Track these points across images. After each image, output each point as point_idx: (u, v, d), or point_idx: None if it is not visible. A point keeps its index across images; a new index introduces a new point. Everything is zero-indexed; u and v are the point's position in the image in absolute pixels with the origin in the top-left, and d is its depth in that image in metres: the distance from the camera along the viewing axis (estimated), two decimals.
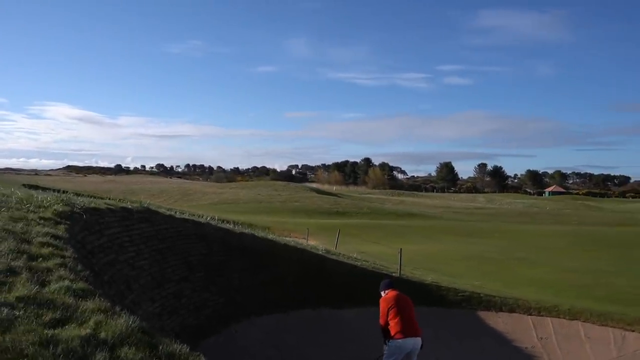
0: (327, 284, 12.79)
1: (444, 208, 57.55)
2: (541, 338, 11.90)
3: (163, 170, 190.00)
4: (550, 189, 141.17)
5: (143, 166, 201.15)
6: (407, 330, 7.58)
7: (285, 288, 11.96)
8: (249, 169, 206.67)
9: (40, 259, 5.04)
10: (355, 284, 13.11)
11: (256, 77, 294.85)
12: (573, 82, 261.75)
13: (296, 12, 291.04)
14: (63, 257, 5.26)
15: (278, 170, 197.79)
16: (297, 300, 11.87)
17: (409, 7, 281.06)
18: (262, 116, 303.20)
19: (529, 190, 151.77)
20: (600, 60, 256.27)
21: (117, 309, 4.28)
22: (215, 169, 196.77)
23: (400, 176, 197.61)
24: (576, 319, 12.28)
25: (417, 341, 7.64)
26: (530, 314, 12.72)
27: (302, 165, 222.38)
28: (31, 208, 7.00)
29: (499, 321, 12.59)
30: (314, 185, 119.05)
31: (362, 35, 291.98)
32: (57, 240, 5.74)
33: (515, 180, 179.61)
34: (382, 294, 8.26)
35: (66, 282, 4.49)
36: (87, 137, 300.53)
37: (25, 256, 5.00)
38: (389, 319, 7.68)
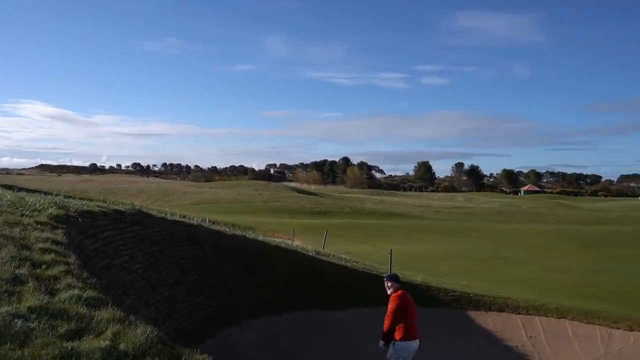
0: (319, 285, 12.75)
1: (423, 207, 58.07)
2: (530, 337, 12.09)
3: (139, 169, 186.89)
4: (525, 188, 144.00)
5: (119, 165, 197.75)
6: (414, 332, 7.61)
7: (278, 290, 11.87)
8: (226, 168, 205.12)
9: (44, 266, 4.87)
10: (347, 285, 13.10)
11: (234, 76, 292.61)
12: (547, 83, 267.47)
13: (274, 10, 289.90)
14: (67, 263, 5.09)
15: (256, 169, 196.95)
16: (289, 302, 11.79)
17: (387, 7, 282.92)
18: (239, 115, 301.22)
19: (504, 189, 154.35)
20: (573, 62, 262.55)
21: (132, 318, 4.16)
22: (192, 168, 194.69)
23: (378, 175, 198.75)
24: (564, 318, 12.51)
25: (418, 342, 7.69)
26: (519, 313, 12.90)
27: (281, 164, 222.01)
28: (25, 212, 6.77)
29: (488, 320, 12.74)
30: (292, 184, 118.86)
31: (341, 34, 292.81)
32: (58, 246, 5.56)
33: (491, 180, 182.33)
34: (393, 288, 7.83)
35: (76, 291, 4.34)
36: (61, 135, 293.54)
37: (28, 263, 4.82)
38: (399, 318, 7.52)
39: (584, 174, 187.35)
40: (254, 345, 10.37)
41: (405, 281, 14.24)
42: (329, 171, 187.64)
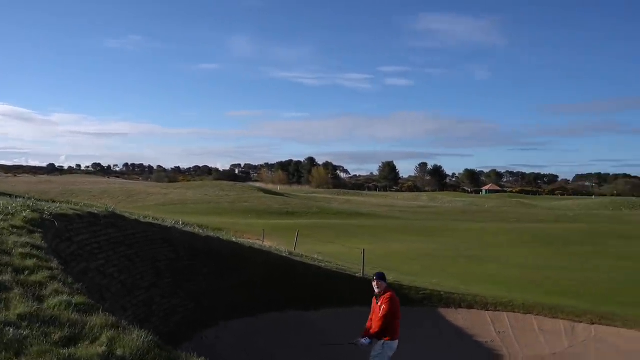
0: (293, 286, 12.79)
1: (389, 207, 58.86)
2: (499, 332, 12.50)
3: (100, 170, 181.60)
4: (487, 187, 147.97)
5: (78, 165, 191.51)
6: (398, 331, 7.77)
7: (252, 291, 11.85)
8: (190, 168, 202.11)
9: (27, 272, 4.75)
10: (321, 286, 13.20)
11: (198, 75, 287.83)
12: (508, 85, 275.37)
13: (239, 9, 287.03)
14: (50, 269, 4.99)
15: (221, 169, 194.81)
16: (264, 302, 11.79)
17: (352, 8, 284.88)
18: (203, 115, 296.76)
19: (466, 189, 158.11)
20: (531, 65, 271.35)
21: (125, 323, 4.13)
22: (155, 168, 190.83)
23: (343, 175, 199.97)
24: (530, 313, 12.99)
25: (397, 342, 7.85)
26: (488, 310, 13.31)
27: (245, 165, 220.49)
28: None
29: (459, 317, 13.09)
30: (258, 184, 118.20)
31: (306, 35, 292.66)
32: (38, 251, 5.43)
33: (454, 179, 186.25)
34: (376, 283, 7.82)
35: (64, 297, 4.27)
36: (16, 134, 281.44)
37: (10, 269, 4.70)
38: (394, 319, 7.58)
39: (542, 173, 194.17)
40: (229, 347, 10.33)
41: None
42: (294, 171, 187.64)
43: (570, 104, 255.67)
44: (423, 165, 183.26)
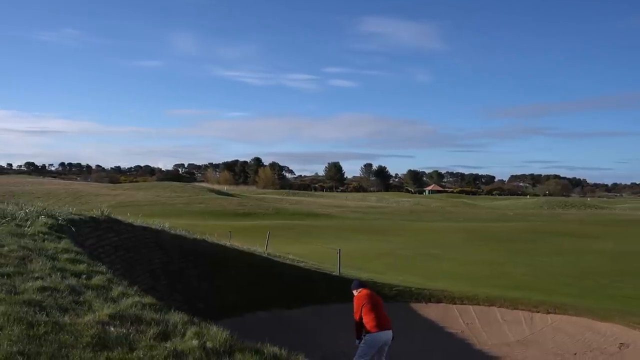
0: (276, 285, 13.25)
1: (341, 207, 60.01)
2: (467, 323, 13.53)
3: (34, 169, 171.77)
4: (429, 187, 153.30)
5: (9, 165, 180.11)
6: (381, 323, 8.35)
7: (239, 291, 12.20)
8: (131, 168, 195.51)
9: (84, 276, 5.02)
10: (303, 285, 13.73)
11: (138, 72, 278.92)
12: (447, 88, 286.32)
13: (182, 5, 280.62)
14: (102, 272, 5.27)
15: (163, 169, 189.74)
16: (251, 302, 12.17)
17: (297, 8, 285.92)
18: (144, 113, 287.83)
19: (410, 189, 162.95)
20: (470, 69, 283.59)
21: (196, 319, 4.53)
22: (93, 167, 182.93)
23: (288, 175, 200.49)
24: (493, 305, 14.12)
25: (389, 333, 8.43)
26: (455, 303, 14.33)
27: (189, 165, 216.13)
28: (17, 222, 6.67)
29: (429, 311, 14.02)
30: (203, 185, 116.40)
31: (251, 34, 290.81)
32: (80, 256, 5.67)
33: (396, 180, 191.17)
34: (355, 292, 8.82)
35: (135, 298, 4.60)
36: None
37: (68, 274, 4.95)
38: (363, 314, 8.35)
39: (480, 174, 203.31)
40: None
41: (353, 279, 15.20)
42: (240, 171, 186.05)
43: (505, 108, 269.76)
44: (368, 166, 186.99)
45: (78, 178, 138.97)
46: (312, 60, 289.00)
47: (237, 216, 38.35)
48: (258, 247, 18.30)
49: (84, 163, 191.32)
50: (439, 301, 14.44)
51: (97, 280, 4.96)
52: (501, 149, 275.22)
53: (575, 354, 11.62)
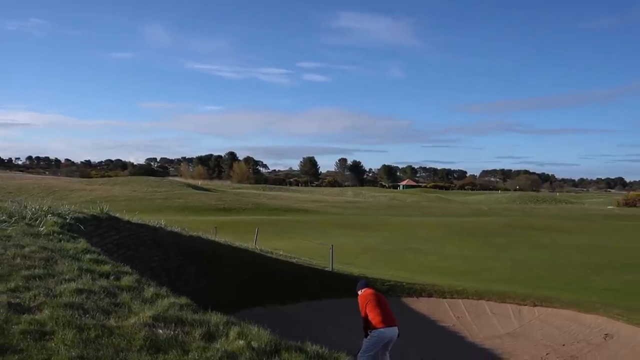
0: (270, 281, 13.28)
1: (319, 202, 60.14)
2: (458, 317, 13.84)
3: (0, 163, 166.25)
4: (404, 182, 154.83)
5: None
6: (386, 320, 8.52)
7: (235, 288, 12.19)
8: (102, 162, 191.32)
9: (112, 276, 4.98)
10: (296, 281, 13.80)
11: (110, 64, 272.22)
12: (421, 84, 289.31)
13: None
14: (128, 273, 5.24)
15: (135, 163, 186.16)
16: (246, 298, 12.18)
17: (270, 2, 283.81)
18: (116, 106, 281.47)
19: (384, 184, 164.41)
20: (442, 65, 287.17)
21: (234, 319, 4.55)
22: (62, 161, 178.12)
23: (263, 170, 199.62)
24: (482, 299, 14.48)
25: (395, 330, 8.59)
26: (445, 297, 14.64)
27: (162, 159, 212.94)
28: (28, 221, 6.54)
29: (421, 305, 14.29)
30: (177, 179, 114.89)
31: (225, 27, 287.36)
32: (101, 255, 5.61)
33: (370, 175, 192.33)
34: (360, 292, 8.93)
35: (171, 299, 4.60)
36: None
37: (97, 275, 4.90)
38: (368, 311, 8.50)
39: (452, 169, 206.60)
40: None
41: (345, 274, 15.37)
42: (214, 166, 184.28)
43: (476, 104, 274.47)
44: (343, 160, 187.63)
45: (47, 172, 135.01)
46: (287, 55, 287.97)
47: (218, 211, 38.01)
48: (245, 243, 18.28)
49: (52, 157, 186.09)
50: (429, 295, 14.72)
51: (126, 281, 4.92)
52: (472, 144, 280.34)
53: (563, 345, 12.04)
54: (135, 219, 10.83)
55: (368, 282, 9.34)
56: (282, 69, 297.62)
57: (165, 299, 4.55)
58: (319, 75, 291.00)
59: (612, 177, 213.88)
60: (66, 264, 4.92)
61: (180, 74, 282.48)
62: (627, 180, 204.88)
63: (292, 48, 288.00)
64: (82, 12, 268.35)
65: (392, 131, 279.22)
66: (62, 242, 5.79)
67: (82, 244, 5.77)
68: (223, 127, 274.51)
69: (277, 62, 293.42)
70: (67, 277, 4.57)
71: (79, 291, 4.25)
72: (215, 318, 4.32)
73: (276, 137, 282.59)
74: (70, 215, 7.23)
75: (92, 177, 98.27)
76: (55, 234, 6.03)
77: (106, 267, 5.11)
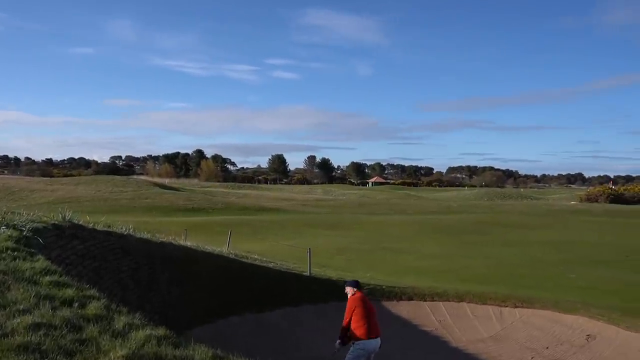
0: (247, 288, 12.67)
1: (289, 201, 59.50)
2: (440, 320, 13.55)
3: None
4: (372, 179, 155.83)
5: None
6: (372, 331, 8.13)
7: (210, 296, 11.54)
8: (64, 160, 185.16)
9: (77, 303, 4.30)
10: (274, 286, 13.21)
11: (72, 59, 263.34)
12: (387, 82, 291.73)
13: None
14: (95, 297, 4.58)
15: (99, 161, 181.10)
16: (223, 307, 11.55)
17: None
18: (78, 102, 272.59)
19: (353, 181, 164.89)
20: (408, 64, 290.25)
21: (221, 353, 3.99)
22: (22, 160, 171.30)
23: (231, 168, 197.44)
24: (462, 301, 14.23)
25: (378, 341, 8.25)
26: (425, 300, 14.33)
27: (127, 157, 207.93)
28: None
29: (402, 309, 13.93)
30: (143, 178, 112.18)
31: (191, 23, 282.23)
32: (62, 277, 4.92)
33: (339, 172, 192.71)
34: (350, 291, 8.50)
35: (146, 331, 3.97)
36: None
37: (58, 302, 4.23)
38: (354, 319, 8.09)
39: (419, 166, 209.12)
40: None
41: (323, 278, 14.86)
42: (182, 164, 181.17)
43: (441, 102, 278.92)
44: (312, 158, 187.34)
45: (5, 171, 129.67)
46: (254, 51, 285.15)
47: (187, 212, 36.90)
48: (218, 247, 17.55)
49: (11, 155, 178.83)
50: (409, 298, 14.37)
51: (93, 308, 4.25)
52: (438, 141, 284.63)
53: (547, 347, 11.89)
54: (101, 225, 10.02)
55: (359, 284, 8.80)
56: (250, 65, 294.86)
57: (140, 330, 3.91)
58: (287, 73, 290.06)
59: (572, 173, 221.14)
60: (21, 289, 4.22)
61: (145, 70, 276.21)
62: (587, 175, 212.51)
63: (261, 45, 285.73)
64: (42, 5, 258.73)
65: (359, 128, 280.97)
66: (17, 260, 5.04)
67: (40, 262, 5.05)
68: (190, 124, 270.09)
69: (245, 59, 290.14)
70: (21, 307, 3.88)
71: (36, 326, 3.57)
72: (200, 353, 3.72)
73: (244, 134, 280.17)
74: (27, 227, 6.44)
75: (54, 176, 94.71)
76: (9, 251, 5.28)
77: (69, 292, 4.42)
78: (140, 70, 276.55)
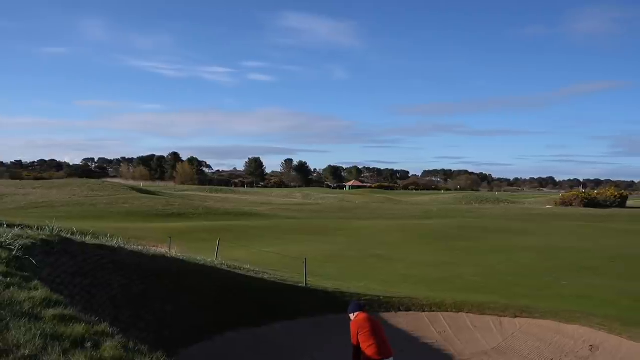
0: (243, 301, 12.08)
1: (269, 205, 58.74)
2: (440, 332, 13.18)
3: None
4: (350, 183, 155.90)
5: None
6: (383, 351, 7.70)
7: (206, 311, 10.91)
8: (34, 162, 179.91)
9: (89, 343, 3.71)
10: (270, 299, 12.66)
11: (43, 59, 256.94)
12: (363, 85, 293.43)
13: None
14: (108, 335, 4.00)
15: (71, 163, 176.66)
16: (218, 323, 10.92)
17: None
18: (49, 103, 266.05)
19: (330, 184, 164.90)
20: (382, 68, 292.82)
21: None
22: None
23: (206, 170, 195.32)
24: (461, 311, 13.91)
25: None
26: (424, 311, 13.96)
27: (100, 159, 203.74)
28: None
29: (401, 321, 13.51)
30: (117, 180, 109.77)
31: (166, 24, 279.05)
32: (68, 309, 4.31)
33: (316, 175, 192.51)
34: (352, 316, 8.11)
35: None
36: None
37: (67, 343, 3.62)
38: (361, 340, 7.69)
39: (395, 169, 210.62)
40: None
41: (319, 290, 14.33)
42: (157, 167, 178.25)
43: (416, 106, 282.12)
44: (289, 161, 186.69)
45: None
46: (230, 54, 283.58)
47: (167, 217, 35.81)
48: (205, 256, 16.85)
49: None
50: (407, 309, 13.97)
51: (109, 348, 3.66)
52: (413, 145, 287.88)
53: (552, 359, 11.65)
54: (89, 237, 9.32)
55: (361, 305, 8.34)
56: (225, 67, 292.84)
57: None
58: (263, 75, 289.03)
59: (544, 177, 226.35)
60: (23, 329, 3.60)
61: (118, 71, 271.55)
62: (557, 179, 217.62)
63: (236, 47, 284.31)
64: (13, 3, 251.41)
65: (335, 131, 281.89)
66: (12, 289, 4.40)
67: (39, 290, 4.42)
68: (165, 126, 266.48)
69: (220, 61, 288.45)
70: (27, 352, 3.27)
71: None
72: None
73: (220, 136, 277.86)
74: (17, 245, 5.77)
75: (23, 179, 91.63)
76: (1, 277, 4.63)
77: (78, 329, 3.81)
78: (113, 71, 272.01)
